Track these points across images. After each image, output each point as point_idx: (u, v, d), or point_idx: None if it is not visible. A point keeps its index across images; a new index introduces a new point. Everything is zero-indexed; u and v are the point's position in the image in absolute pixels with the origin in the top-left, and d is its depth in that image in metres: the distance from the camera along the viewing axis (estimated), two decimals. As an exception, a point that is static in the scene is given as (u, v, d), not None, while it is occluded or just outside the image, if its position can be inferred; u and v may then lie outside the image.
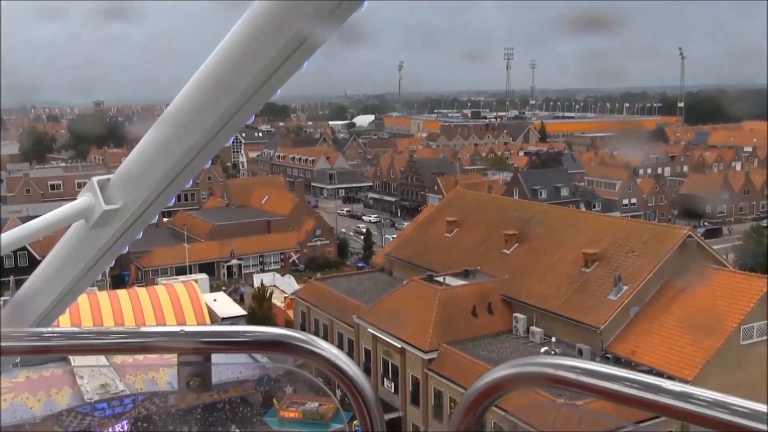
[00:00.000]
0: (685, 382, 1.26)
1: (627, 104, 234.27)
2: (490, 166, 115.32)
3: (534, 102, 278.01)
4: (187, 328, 1.59)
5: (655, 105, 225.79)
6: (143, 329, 1.64)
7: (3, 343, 1.69)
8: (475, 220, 47.73)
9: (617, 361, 31.71)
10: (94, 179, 2.04)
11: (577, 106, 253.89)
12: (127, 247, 2.30)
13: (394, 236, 69.23)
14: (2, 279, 58.02)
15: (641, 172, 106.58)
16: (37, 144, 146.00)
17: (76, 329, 1.65)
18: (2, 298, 51.74)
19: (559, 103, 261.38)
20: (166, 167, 1.97)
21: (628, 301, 34.99)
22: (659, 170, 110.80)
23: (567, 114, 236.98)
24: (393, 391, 37.68)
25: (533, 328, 36.71)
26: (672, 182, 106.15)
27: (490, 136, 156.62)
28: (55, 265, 2.30)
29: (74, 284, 2.34)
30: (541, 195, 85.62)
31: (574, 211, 57.33)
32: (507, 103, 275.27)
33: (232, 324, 42.00)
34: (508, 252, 42.74)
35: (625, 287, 35.61)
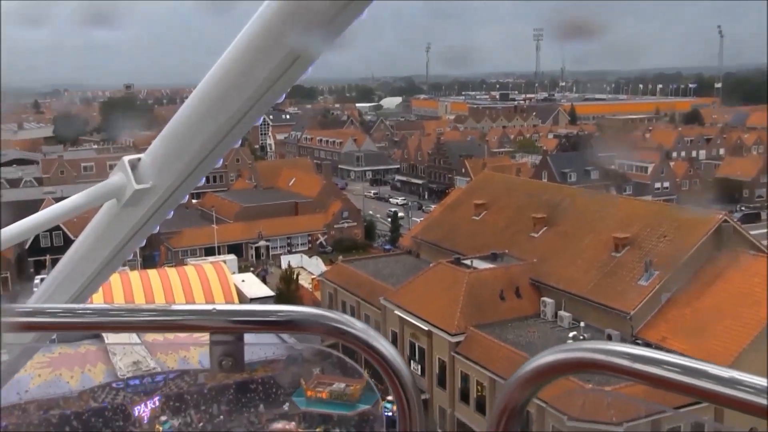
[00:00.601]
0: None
1: (660, 86, 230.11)
2: (518, 149, 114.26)
3: (564, 84, 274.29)
4: (218, 307, 1.56)
5: (690, 86, 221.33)
6: (174, 307, 1.62)
7: (39, 319, 1.71)
8: (503, 204, 47.41)
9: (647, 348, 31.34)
10: (126, 159, 2.04)
11: (608, 88, 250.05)
12: (158, 227, 2.31)
13: (422, 219, 69.15)
14: (38, 258, 59.29)
15: (674, 155, 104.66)
16: (70, 126, 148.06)
17: (108, 306, 1.65)
18: (39, 277, 52.94)
19: (589, 85, 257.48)
20: (197, 146, 1.97)
21: (660, 287, 34.51)
22: (693, 153, 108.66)
23: (598, 96, 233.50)
24: (420, 373, 37.80)
25: (561, 313, 36.46)
26: (707, 165, 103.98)
27: (519, 119, 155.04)
28: (88, 245, 2.32)
29: (106, 263, 2.36)
30: (570, 178, 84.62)
31: (604, 195, 56.66)
32: (536, 84, 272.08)
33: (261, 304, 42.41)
34: (536, 235, 42.42)
35: (657, 272, 35.13)
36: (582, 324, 35.06)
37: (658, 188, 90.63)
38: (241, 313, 1.60)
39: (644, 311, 34.14)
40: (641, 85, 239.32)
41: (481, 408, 33.80)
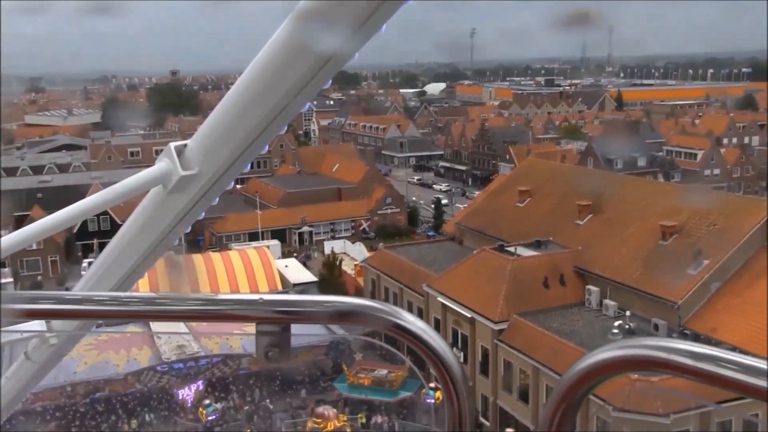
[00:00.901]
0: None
1: (711, 70, 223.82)
2: (563, 135, 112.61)
3: (610, 69, 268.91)
4: (265, 297, 1.53)
5: (743, 71, 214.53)
6: (221, 296, 1.61)
7: (86, 307, 1.71)
8: (548, 190, 46.84)
9: (696, 339, 30.70)
10: (172, 145, 2.04)
11: (656, 73, 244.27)
12: (203, 213, 2.29)
13: (465, 205, 68.76)
14: (86, 241, 60.91)
15: (725, 141, 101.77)
16: (117, 112, 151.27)
17: (154, 294, 1.63)
18: (86, 260, 54.35)
19: (636, 70, 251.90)
20: (243, 133, 1.95)
21: (709, 277, 33.72)
22: (746, 139, 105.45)
23: (645, 81, 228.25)
24: (462, 361, 37.72)
25: (606, 301, 35.92)
26: (760, 152, 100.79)
27: (564, 105, 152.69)
28: (135, 230, 2.33)
29: (152, 249, 2.36)
30: (616, 165, 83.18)
31: (651, 182, 55.55)
32: (582, 70, 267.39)
33: (303, 291, 42.74)
34: (581, 223, 41.82)
35: (706, 262, 34.31)
36: (628, 313, 34.48)
37: (708, 175, 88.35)
38: (288, 303, 1.56)
39: (693, 301, 33.42)
40: (691, 71, 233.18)
41: (524, 396, 33.61)
